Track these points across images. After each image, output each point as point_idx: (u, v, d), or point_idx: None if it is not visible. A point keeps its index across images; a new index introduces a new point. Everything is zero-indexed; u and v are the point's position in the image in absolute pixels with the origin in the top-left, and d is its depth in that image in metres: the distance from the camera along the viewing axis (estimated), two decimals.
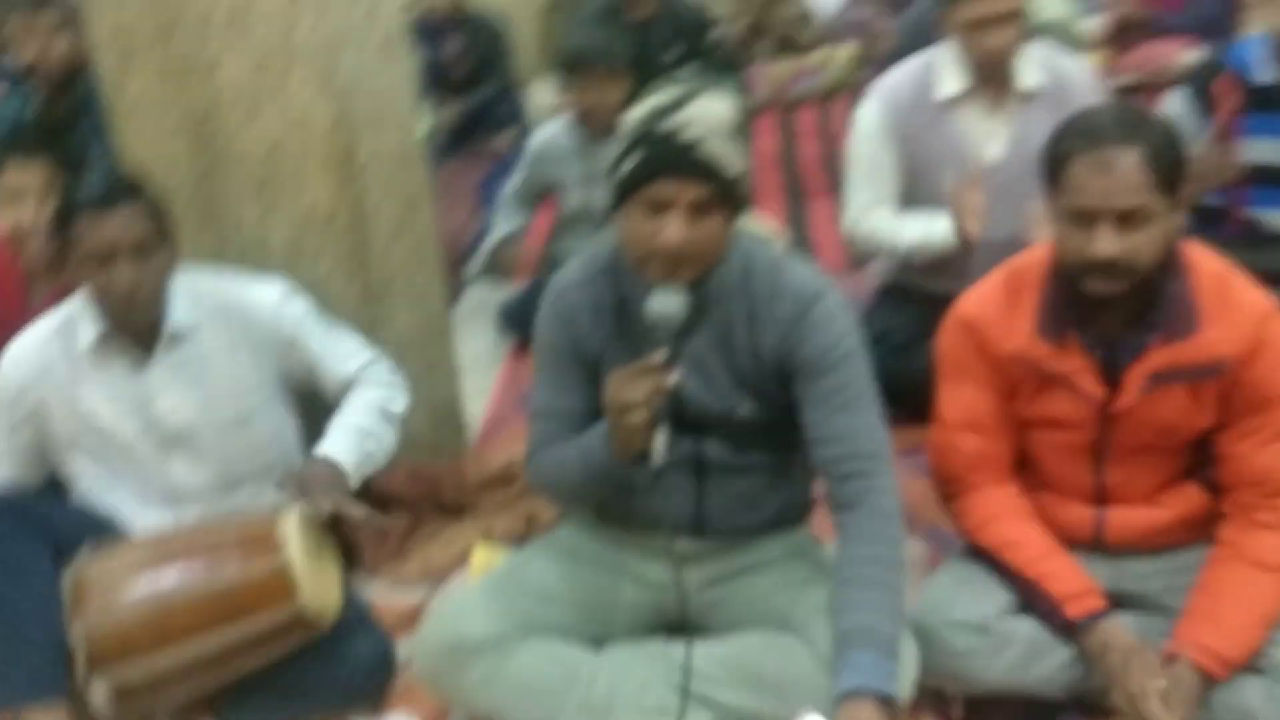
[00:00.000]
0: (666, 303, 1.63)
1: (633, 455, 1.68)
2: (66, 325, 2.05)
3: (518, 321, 3.31)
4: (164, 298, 2.01)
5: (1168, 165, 1.67)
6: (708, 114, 1.61)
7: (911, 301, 2.78)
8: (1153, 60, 4.18)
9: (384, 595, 2.25)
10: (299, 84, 2.19)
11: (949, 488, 1.95)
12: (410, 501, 2.45)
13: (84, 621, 1.85)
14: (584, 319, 1.79)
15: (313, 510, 1.96)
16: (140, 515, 2.09)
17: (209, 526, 2.03)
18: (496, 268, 3.40)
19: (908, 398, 2.25)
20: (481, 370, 3.07)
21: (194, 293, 2.06)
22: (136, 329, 2.02)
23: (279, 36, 2.15)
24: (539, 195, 3.42)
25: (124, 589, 1.89)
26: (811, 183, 4.32)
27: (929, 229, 2.62)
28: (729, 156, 1.61)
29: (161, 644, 1.87)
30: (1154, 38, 4.36)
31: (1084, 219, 1.68)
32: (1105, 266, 1.67)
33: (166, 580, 1.90)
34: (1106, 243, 1.66)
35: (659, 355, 1.63)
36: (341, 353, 2.18)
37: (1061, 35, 3.42)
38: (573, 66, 3.16)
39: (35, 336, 2.06)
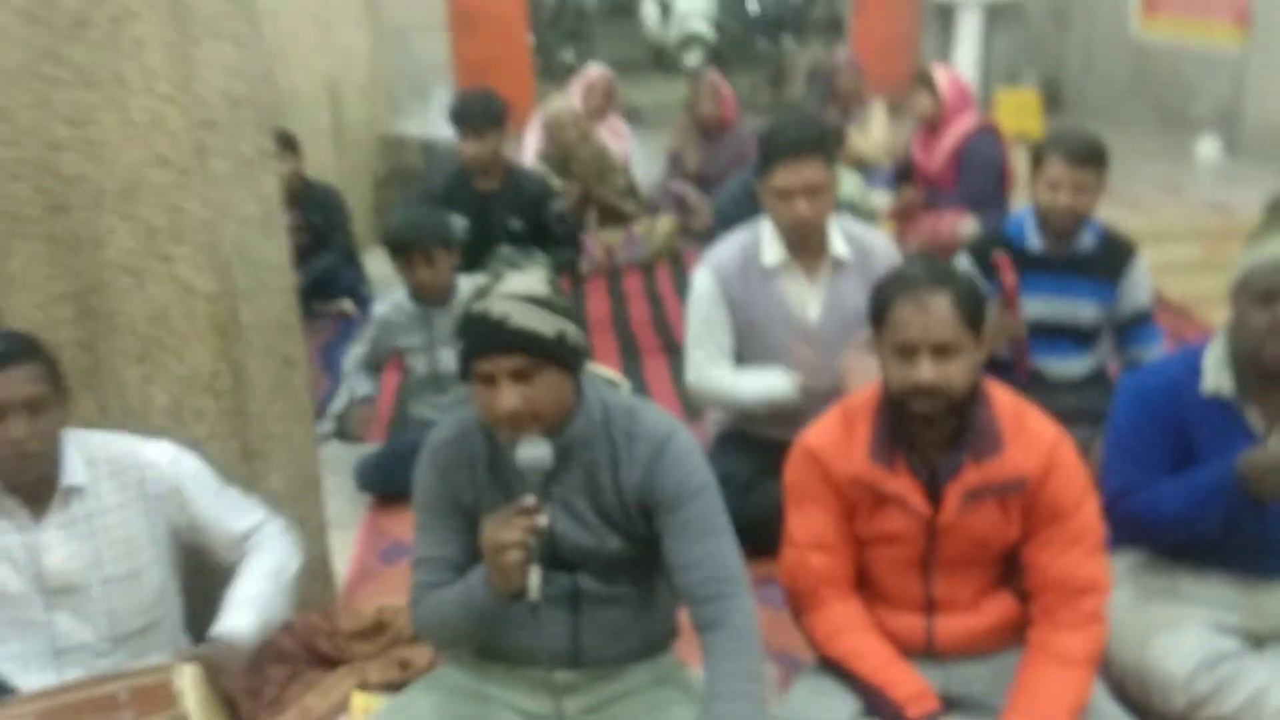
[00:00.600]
0: (533, 451, 1.83)
1: (510, 592, 1.83)
2: None
3: (376, 479, 3.44)
4: (56, 455, 2.10)
5: (972, 307, 2.04)
6: (515, 288, 1.84)
7: (749, 446, 3.08)
8: (937, 231, 4.78)
9: None
10: (185, 256, 2.35)
11: (801, 602, 2.21)
12: (286, 654, 2.53)
13: None
14: (459, 472, 1.98)
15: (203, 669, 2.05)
16: (22, 676, 2.13)
17: (98, 682, 2.08)
18: (346, 430, 3.54)
19: (753, 534, 2.46)
20: (341, 526, 3.18)
21: (86, 451, 2.16)
22: (28, 485, 2.10)
23: (168, 211, 2.32)
24: (384, 361, 3.61)
25: None
26: (643, 341, 4.66)
27: (768, 385, 2.95)
28: (540, 323, 1.82)
29: None
30: (933, 210, 4.99)
31: (907, 352, 2.03)
32: (927, 390, 2.01)
33: None
34: (926, 370, 2.00)
35: (530, 499, 1.82)
36: (233, 512, 2.31)
37: (855, 210, 3.91)
38: (399, 248, 3.39)
39: None
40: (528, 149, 5.99)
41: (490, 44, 8.23)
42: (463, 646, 2.09)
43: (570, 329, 1.87)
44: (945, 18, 8.60)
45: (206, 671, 2.07)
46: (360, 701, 2.43)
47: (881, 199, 5.31)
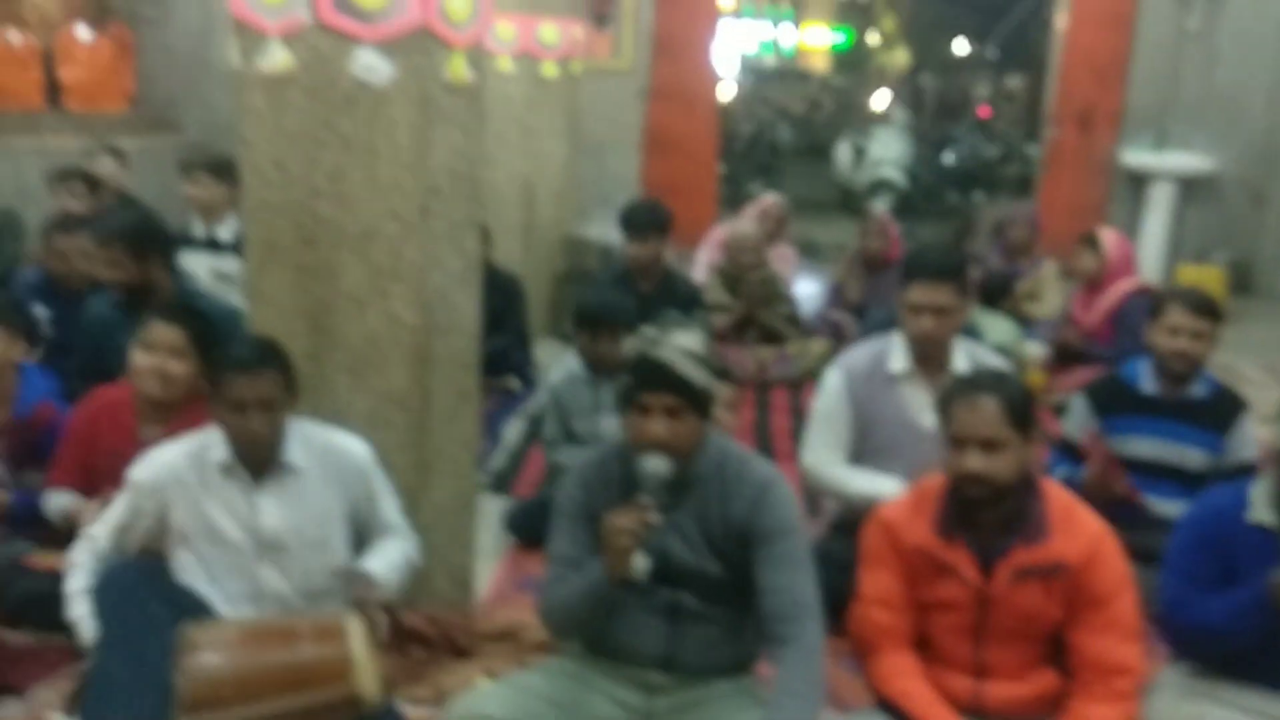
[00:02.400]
0: (655, 463, 2.41)
1: (620, 573, 2.38)
2: (201, 446, 2.81)
3: (524, 526, 4.04)
4: (280, 437, 2.78)
5: (1019, 410, 2.54)
6: (682, 343, 2.44)
7: (854, 535, 3.55)
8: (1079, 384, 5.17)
9: (402, 708, 2.88)
10: (399, 293, 3.05)
11: (864, 649, 2.69)
12: (428, 639, 3.13)
13: (186, 674, 2.51)
14: (598, 489, 2.56)
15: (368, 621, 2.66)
16: (228, 611, 2.78)
17: (288, 616, 2.72)
18: (500, 483, 4.15)
19: (845, 612, 2.85)
20: (484, 558, 3.78)
21: (303, 436, 2.83)
22: (255, 460, 2.78)
23: (392, 256, 3.03)
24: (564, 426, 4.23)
25: (221, 653, 2.55)
26: (780, 448, 5.18)
27: (877, 486, 3.38)
28: (695, 375, 2.41)
29: (243, 701, 2.51)
30: (1086, 364, 5.40)
31: (958, 443, 2.53)
32: (974, 478, 2.50)
33: (254, 650, 2.57)
34: (973, 460, 2.50)
35: (646, 498, 2.39)
36: (389, 509, 2.95)
37: (1005, 355, 4.36)
38: (589, 321, 4.06)
39: (173, 451, 2.82)
40: (699, 265, 6.69)
41: (679, 167, 9.01)
42: (577, 632, 2.60)
43: (713, 385, 2.46)
44: (1137, 186, 8.96)
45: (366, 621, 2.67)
46: (483, 684, 2.99)
47: (1036, 350, 5.74)
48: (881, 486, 3.38)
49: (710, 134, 9.34)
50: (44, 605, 3.11)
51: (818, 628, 2.44)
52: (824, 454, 3.54)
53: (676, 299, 5.02)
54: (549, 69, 6.44)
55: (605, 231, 6.88)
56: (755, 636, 2.62)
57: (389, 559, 2.87)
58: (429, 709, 2.93)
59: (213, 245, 5.06)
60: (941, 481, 2.66)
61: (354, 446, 2.89)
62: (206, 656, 2.54)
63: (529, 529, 4.04)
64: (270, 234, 3.03)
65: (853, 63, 23.97)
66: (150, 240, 3.96)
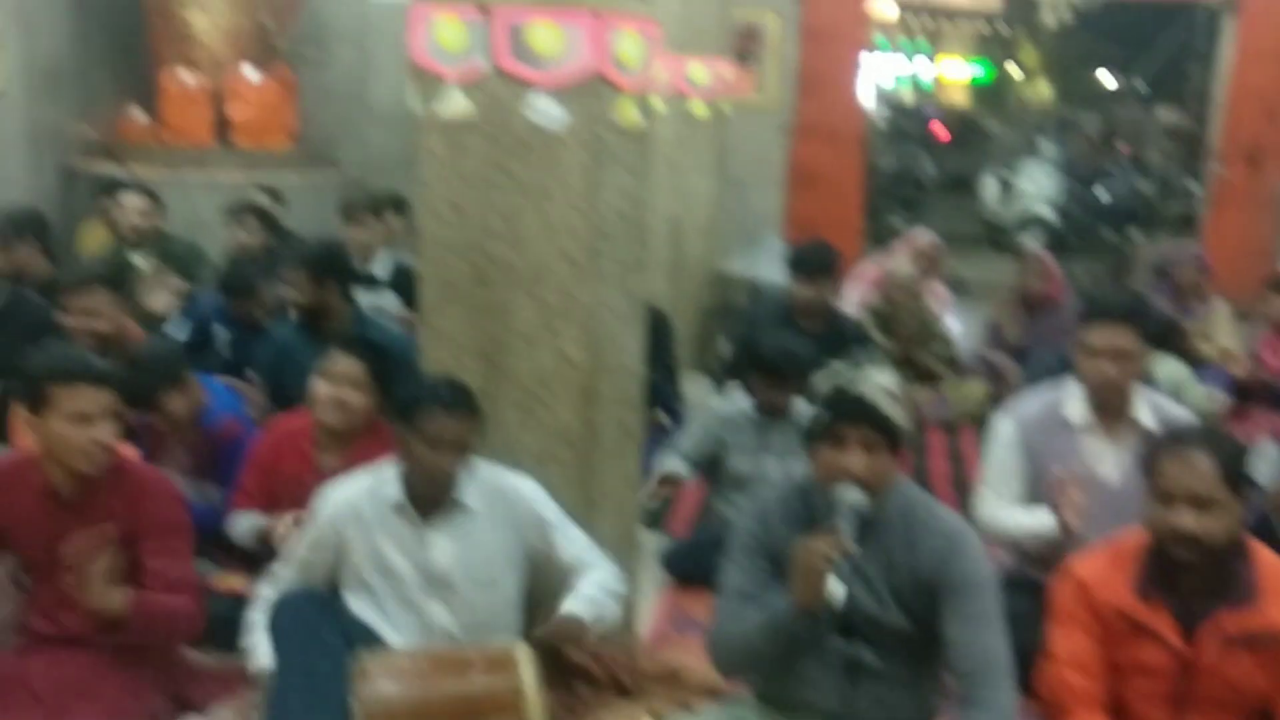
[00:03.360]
0: (852, 494, 2.40)
1: (811, 601, 2.34)
2: (378, 482, 2.91)
3: (681, 565, 4.07)
4: (457, 478, 2.87)
5: (1234, 469, 2.45)
6: (880, 380, 2.45)
7: (1029, 590, 3.47)
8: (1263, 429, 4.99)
9: None
10: (569, 333, 3.13)
11: (1054, 711, 2.61)
12: (593, 676, 3.16)
13: (361, 702, 2.60)
14: (779, 525, 2.55)
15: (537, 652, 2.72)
16: (396, 642, 2.86)
17: (459, 646, 2.79)
18: (655, 520, 4.17)
19: (1026, 671, 2.70)
20: (641, 596, 3.82)
21: (475, 475, 2.91)
22: (429, 498, 2.87)
23: (563, 296, 3.11)
24: (706, 456, 4.26)
25: (395, 681, 2.64)
26: (940, 494, 5.10)
27: (1034, 518, 3.32)
28: (891, 410, 2.42)
29: None
30: (1269, 407, 5.19)
31: (1166, 499, 2.45)
32: (1184, 538, 2.42)
33: (428, 678, 2.65)
34: (1184, 518, 2.42)
35: (842, 526, 2.37)
36: (577, 543, 3.00)
37: (1178, 395, 4.24)
38: (767, 368, 4.09)
39: (352, 486, 2.93)
40: (848, 302, 6.65)
41: (823, 202, 9.00)
42: (751, 669, 2.58)
43: (907, 427, 2.46)
44: None
45: (546, 649, 2.72)
46: None
47: (1215, 398, 5.52)
48: (1039, 518, 3.29)
49: (855, 169, 9.32)
50: (225, 627, 3.25)
51: (1010, 690, 2.39)
52: (996, 504, 3.47)
53: (843, 340, 5.01)
54: (698, 108, 6.52)
55: (751, 267, 6.91)
56: (933, 694, 2.59)
57: (587, 596, 2.92)
58: None
59: (369, 281, 5.24)
60: (1141, 538, 2.58)
61: (524, 487, 2.97)
62: (381, 684, 2.63)
63: (688, 568, 4.07)
64: (446, 273, 3.14)
65: (993, 96, 23.60)
66: (330, 267, 4.15)
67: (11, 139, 7.20)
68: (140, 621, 2.81)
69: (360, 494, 2.91)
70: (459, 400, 2.83)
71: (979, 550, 2.47)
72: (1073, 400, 3.42)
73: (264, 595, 2.96)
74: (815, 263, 5.07)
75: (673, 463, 4.23)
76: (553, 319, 3.12)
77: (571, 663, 3.14)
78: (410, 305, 5.19)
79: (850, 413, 2.41)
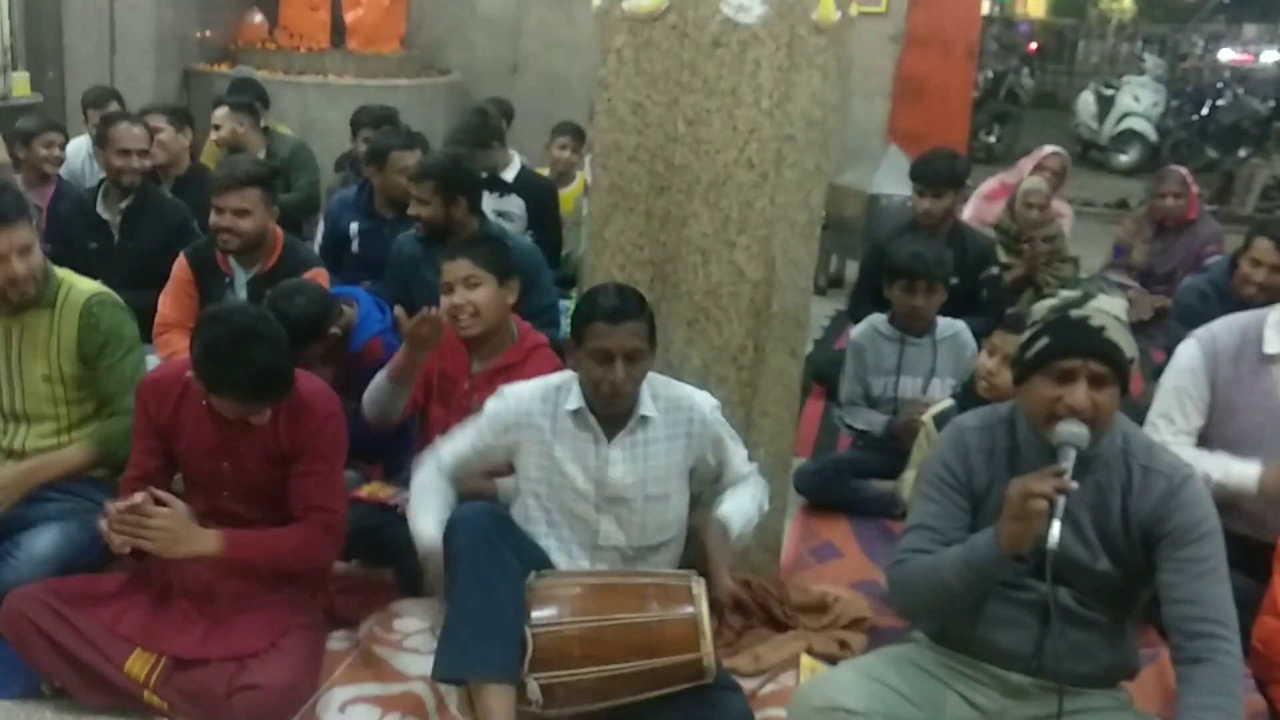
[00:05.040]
0: (1076, 430, 2.15)
1: (1023, 545, 2.12)
2: (555, 390, 2.71)
3: (815, 488, 3.88)
4: (638, 391, 2.66)
5: None
6: (1108, 307, 2.19)
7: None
8: None
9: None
10: (744, 245, 2.89)
11: (1272, 672, 2.40)
12: (744, 607, 3.00)
13: (534, 628, 2.43)
14: (977, 459, 2.32)
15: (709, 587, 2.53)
16: (561, 560, 2.70)
17: (631, 571, 2.62)
18: None
19: None
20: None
21: (653, 388, 2.70)
22: (610, 412, 2.67)
23: (741, 206, 2.86)
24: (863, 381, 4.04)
25: (569, 610, 2.48)
26: None
27: (1228, 469, 3.01)
28: (1125, 343, 2.17)
29: (589, 660, 2.44)
30: None
31: None
32: None
33: (602, 608, 2.48)
34: None
35: (1065, 464, 2.12)
36: (740, 457, 2.80)
37: None
38: (904, 273, 3.84)
39: (529, 390, 2.73)
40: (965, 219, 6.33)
41: (929, 115, 8.62)
42: (936, 612, 2.35)
43: (1137, 357, 2.19)
44: None
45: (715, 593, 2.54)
46: (807, 663, 2.86)
47: None
48: (1235, 471, 3.00)
49: (965, 82, 8.92)
50: (372, 538, 3.11)
51: (1236, 649, 2.14)
52: (1170, 437, 3.19)
53: (966, 256, 4.72)
54: (826, 9, 6.14)
55: (864, 180, 6.59)
56: (1134, 646, 2.37)
57: (741, 506, 2.73)
58: (749, 681, 2.80)
59: (495, 185, 5.02)
60: None
61: (699, 400, 2.75)
62: (555, 612, 2.47)
63: (821, 490, 3.88)
64: (621, 179, 2.90)
65: (1072, 8, 22.65)
66: (459, 181, 3.94)
67: (139, 43, 7.28)
68: (241, 559, 2.67)
69: (537, 401, 2.72)
70: (628, 310, 2.59)
71: (1204, 495, 2.21)
72: (1273, 330, 3.09)
73: (419, 487, 2.78)
74: (942, 173, 4.76)
75: (859, 418, 4.00)
76: (729, 230, 2.88)
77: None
78: (536, 210, 4.99)
79: (1077, 344, 2.17)
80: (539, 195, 5.11)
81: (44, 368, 2.97)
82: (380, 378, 3.20)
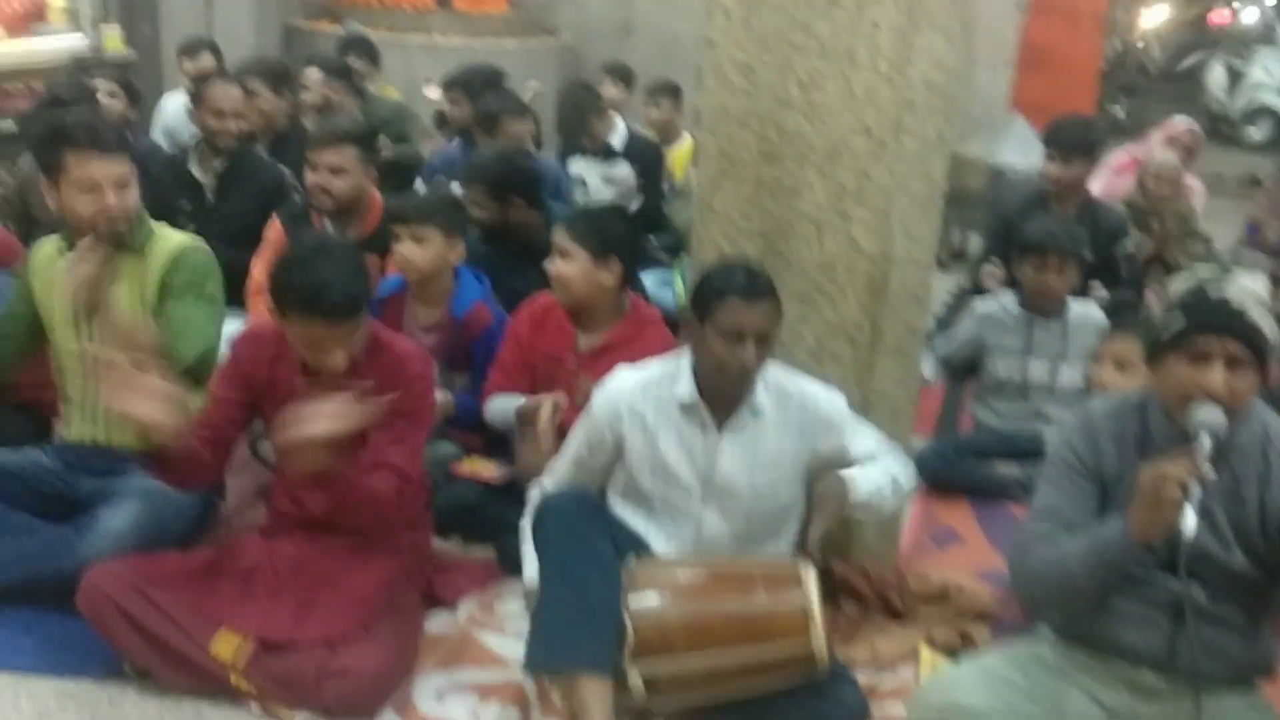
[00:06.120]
0: (1212, 415, 1.97)
1: (1156, 532, 1.96)
2: (662, 377, 2.56)
3: (936, 471, 3.66)
4: (754, 379, 2.50)
5: None
6: (1250, 287, 1.99)
7: None
8: None
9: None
10: (861, 217, 2.71)
11: None
12: (861, 596, 2.82)
13: (634, 616, 2.30)
14: (1108, 444, 2.14)
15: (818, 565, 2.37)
16: (662, 548, 2.55)
17: (737, 558, 2.47)
18: None
19: None
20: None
21: (766, 377, 2.54)
22: (725, 398, 2.51)
23: (858, 176, 2.68)
24: (970, 357, 3.82)
25: (670, 595, 2.34)
26: None
27: None
28: (1265, 325, 1.98)
29: (693, 649, 2.30)
30: None
31: None
32: None
33: (707, 595, 2.34)
34: None
35: (1201, 447, 1.94)
36: (868, 441, 2.61)
37: None
38: (1035, 249, 3.60)
39: (632, 379, 2.59)
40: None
41: (1055, 85, 8.23)
42: (1060, 605, 2.17)
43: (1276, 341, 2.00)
44: None
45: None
46: (928, 657, 2.68)
47: None
48: None
49: (1093, 52, 8.52)
50: (471, 515, 3.02)
51: None
52: None
53: (1098, 229, 4.44)
54: None
55: (987, 150, 6.29)
56: (1269, 647, 2.17)
57: (869, 475, 2.53)
58: (863, 674, 2.63)
59: (607, 154, 4.89)
60: None
61: (825, 399, 2.57)
62: (655, 598, 2.34)
63: (942, 473, 3.67)
64: (729, 146, 2.74)
65: None
66: (510, 182, 3.78)
67: (240, 0, 7.08)
68: (339, 491, 2.52)
69: (645, 389, 2.57)
70: (758, 287, 2.44)
71: None
72: None
73: (537, 498, 2.65)
74: (1077, 139, 4.48)
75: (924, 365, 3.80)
76: (845, 201, 2.70)
77: (839, 578, 2.81)
78: (645, 175, 4.85)
79: (1215, 323, 1.99)
80: (648, 159, 4.98)
81: (134, 314, 2.85)
82: (508, 411, 3.08)
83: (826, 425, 2.55)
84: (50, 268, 2.92)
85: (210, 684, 2.49)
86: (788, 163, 2.70)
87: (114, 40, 5.53)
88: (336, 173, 3.60)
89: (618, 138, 5.02)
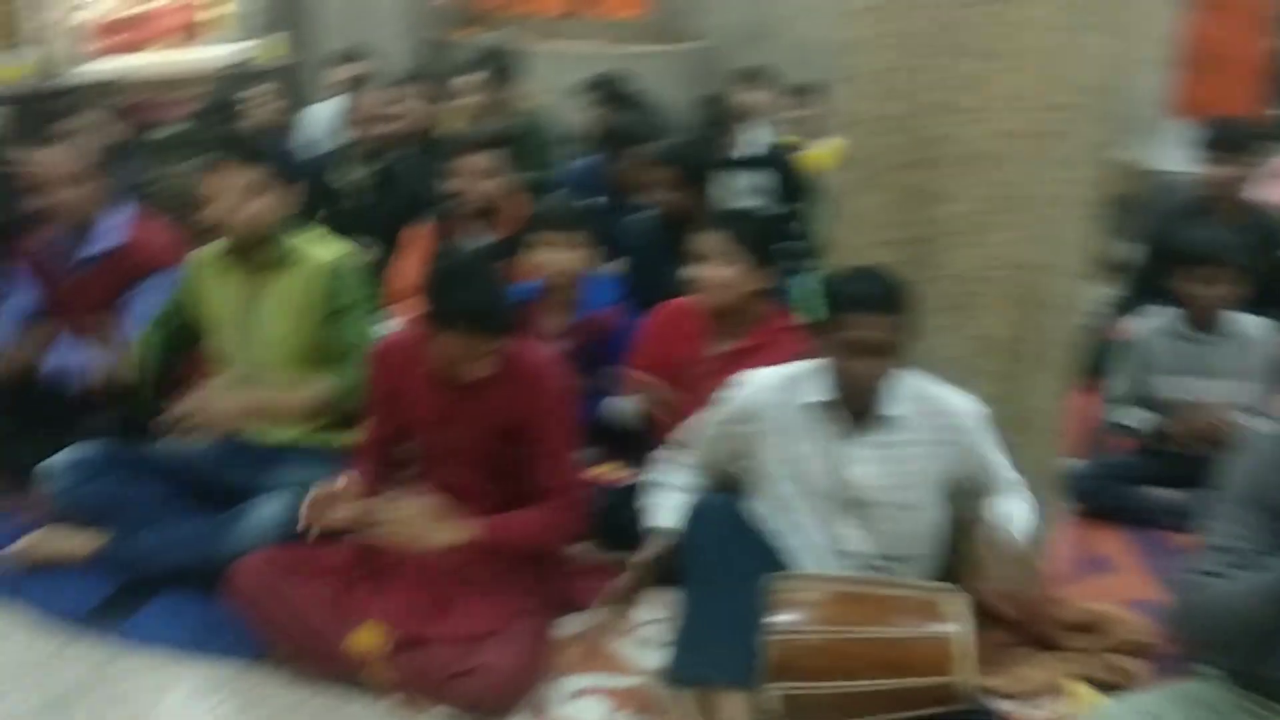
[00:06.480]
0: None
1: None
2: (795, 380, 2.49)
3: (1090, 493, 3.47)
4: (886, 387, 2.41)
5: None
6: None
7: None
8: None
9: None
10: (1009, 225, 2.57)
11: None
12: (1005, 621, 2.68)
13: (774, 633, 2.22)
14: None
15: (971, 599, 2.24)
16: (804, 562, 2.47)
17: (880, 580, 2.36)
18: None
19: None
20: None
21: (905, 386, 2.44)
22: (855, 406, 2.42)
23: (1004, 182, 2.54)
24: (1147, 390, 3.59)
25: (812, 617, 2.25)
26: None
27: None
28: None
29: (833, 673, 2.21)
30: None
31: None
32: None
33: (850, 617, 2.24)
34: None
35: None
36: (1003, 473, 2.50)
37: None
38: (1196, 259, 3.37)
39: (769, 378, 2.52)
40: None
41: (1216, 86, 7.80)
42: (1227, 647, 2.01)
43: None
44: None
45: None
46: (1084, 693, 2.53)
47: None
48: None
49: (1258, 52, 8.02)
50: (607, 520, 2.98)
51: None
52: None
53: (1262, 238, 4.15)
54: None
55: (1144, 155, 5.98)
56: None
57: (1017, 512, 2.42)
58: (1008, 703, 2.49)
59: (745, 162, 4.81)
60: None
61: (964, 406, 2.47)
62: (796, 619, 2.26)
63: (1095, 497, 3.47)
64: (872, 151, 2.63)
65: None
66: (702, 168, 3.75)
67: (385, 12, 7.33)
68: (497, 543, 2.59)
69: (777, 390, 2.51)
70: (885, 297, 2.35)
71: None
72: None
73: (658, 475, 2.62)
74: (1239, 138, 4.20)
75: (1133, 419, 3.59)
76: (995, 209, 2.57)
77: (984, 604, 2.67)
78: (786, 184, 4.75)
79: None
80: (788, 167, 4.88)
81: (283, 327, 2.98)
82: (627, 405, 3.10)
83: (969, 443, 2.43)
84: (208, 272, 3.01)
85: (350, 675, 2.55)
86: (935, 169, 2.57)
87: (273, 49, 5.76)
88: (476, 178, 3.65)
89: (756, 144, 4.93)
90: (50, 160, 3.26)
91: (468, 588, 2.61)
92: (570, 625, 2.79)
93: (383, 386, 2.72)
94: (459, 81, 5.57)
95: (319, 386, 2.93)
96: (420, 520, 2.48)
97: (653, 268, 3.68)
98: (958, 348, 2.67)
